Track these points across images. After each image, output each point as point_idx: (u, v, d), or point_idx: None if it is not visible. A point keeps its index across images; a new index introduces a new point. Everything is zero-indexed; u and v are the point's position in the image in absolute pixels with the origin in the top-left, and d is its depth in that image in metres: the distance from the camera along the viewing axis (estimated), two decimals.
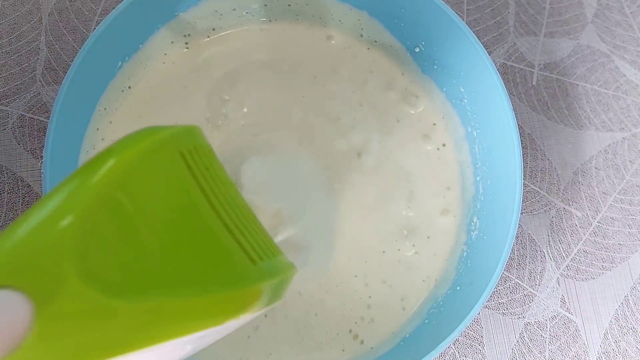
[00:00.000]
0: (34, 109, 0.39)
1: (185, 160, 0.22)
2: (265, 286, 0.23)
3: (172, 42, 0.37)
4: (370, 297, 0.36)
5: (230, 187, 0.25)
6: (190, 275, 0.21)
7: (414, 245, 0.37)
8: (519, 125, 0.40)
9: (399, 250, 0.37)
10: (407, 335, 0.35)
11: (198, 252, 0.21)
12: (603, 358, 0.38)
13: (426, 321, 0.35)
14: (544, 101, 0.41)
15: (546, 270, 0.39)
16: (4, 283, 0.18)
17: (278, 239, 0.35)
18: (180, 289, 0.20)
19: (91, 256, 0.19)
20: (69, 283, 0.18)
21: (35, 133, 0.39)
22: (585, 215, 0.39)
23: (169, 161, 0.22)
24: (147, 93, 0.37)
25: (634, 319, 0.38)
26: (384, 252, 0.36)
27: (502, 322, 0.38)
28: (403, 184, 0.37)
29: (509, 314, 0.38)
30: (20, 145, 0.39)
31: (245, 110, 0.38)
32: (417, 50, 0.37)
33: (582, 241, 0.39)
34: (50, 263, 0.18)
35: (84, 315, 0.19)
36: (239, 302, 0.22)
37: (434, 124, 0.38)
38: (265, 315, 0.35)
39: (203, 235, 0.22)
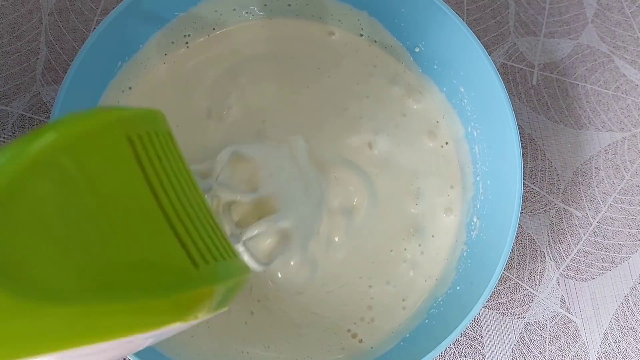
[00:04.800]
0: (34, 109, 0.39)
1: (133, 146, 0.21)
2: (210, 291, 0.21)
3: (172, 42, 0.37)
4: (372, 298, 0.36)
5: (186, 180, 0.23)
6: (123, 276, 0.19)
7: (419, 245, 0.36)
8: (519, 125, 0.40)
9: (405, 249, 0.36)
10: (407, 335, 0.35)
11: (133, 250, 0.20)
12: (603, 358, 0.38)
13: (426, 321, 0.35)
14: (543, 101, 0.41)
15: (546, 270, 0.39)
16: None
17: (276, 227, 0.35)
18: (111, 292, 0.19)
19: (10, 249, 0.17)
20: None
21: None
22: (585, 215, 0.39)
23: (112, 146, 0.20)
24: (148, 93, 0.37)
25: (634, 319, 0.38)
26: (391, 251, 0.36)
27: (502, 322, 0.38)
28: (410, 180, 0.37)
29: (509, 314, 0.38)
30: None
31: (248, 102, 0.37)
32: (417, 50, 0.37)
33: (582, 241, 0.39)
34: None
35: None
36: (175, 308, 0.20)
37: (437, 122, 0.38)
38: (259, 301, 0.35)
39: (140, 231, 0.20)
